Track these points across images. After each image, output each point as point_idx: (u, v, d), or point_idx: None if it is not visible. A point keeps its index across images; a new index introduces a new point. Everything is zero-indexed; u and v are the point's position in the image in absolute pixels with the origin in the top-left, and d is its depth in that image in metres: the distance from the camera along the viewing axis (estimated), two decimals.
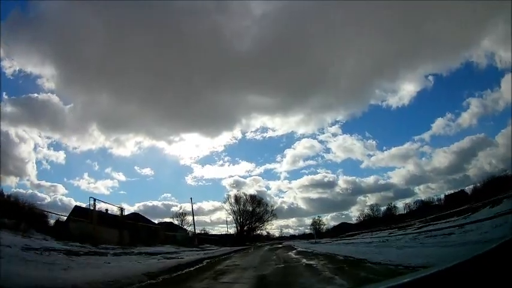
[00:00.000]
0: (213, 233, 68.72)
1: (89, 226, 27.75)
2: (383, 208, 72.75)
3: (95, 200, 30.34)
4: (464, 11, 60.56)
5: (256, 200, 68.35)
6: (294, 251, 20.22)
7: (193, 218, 46.07)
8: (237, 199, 66.82)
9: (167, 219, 58.77)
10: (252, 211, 66.94)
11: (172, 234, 45.76)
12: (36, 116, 74.97)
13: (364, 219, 78.62)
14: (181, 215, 58.35)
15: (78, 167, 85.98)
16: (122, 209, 32.53)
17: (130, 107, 75.18)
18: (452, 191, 59.37)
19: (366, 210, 77.87)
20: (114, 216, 32.68)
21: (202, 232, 65.32)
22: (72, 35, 62.05)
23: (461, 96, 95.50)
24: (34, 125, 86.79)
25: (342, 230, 77.20)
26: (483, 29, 74.70)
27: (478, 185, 42.35)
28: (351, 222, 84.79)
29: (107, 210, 36.82)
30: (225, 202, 67.60)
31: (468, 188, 48.29)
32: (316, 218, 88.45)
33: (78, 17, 63.43)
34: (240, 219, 65.96)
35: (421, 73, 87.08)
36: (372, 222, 68.92)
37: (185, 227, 58.82)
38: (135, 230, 34.65)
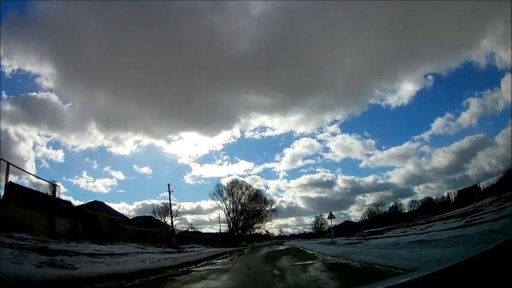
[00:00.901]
0: (211, 232, 58.80)
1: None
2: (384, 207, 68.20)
3: (8, 165, 20.05)
4: (464, 10, 58.93)
5: (253, 192, 57.32)
6: (316, 263, 9.71)
7: (171, 211, 35.58)
8: (230, 191, 55.80)
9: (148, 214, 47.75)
10: (248, 204, 55.80)
11: (147, 230, 35.42)
12: (35, 115, 73.57)
13: (369, 218, 72.17)
14: (163, 209, 47.61)
15: (77, 165, 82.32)
16: (54, 187, 22.00)
17: (129, 105, 72.21)
18: (450, 191, 57.45)
19: (367, 208, 72.90)
20: (46, 198, 22.37)
21: (190, 230, 54.29)
22: (70, 34, 59.79)
23: (461, 96, 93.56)
24: (33, 124, 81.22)
25: (345, 228, 69.29)
26: (483, 29, 71.40)
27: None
28: (353, 221, 79.58)
29: (54, 191, 26.22)
30: (215, 195, 56.34)
31: (482, 183, 43.88)
32: (319, 216, 78.81)
33: (75, 16, 61.22)
34: (233, 214, 54.89)
35: (420, 73, 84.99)
36: (378, 220, 62.58)
37: (174, 222, 49.78)
38: (84, 221, 24.40)
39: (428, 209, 53.19)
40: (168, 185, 36.10)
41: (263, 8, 69.28)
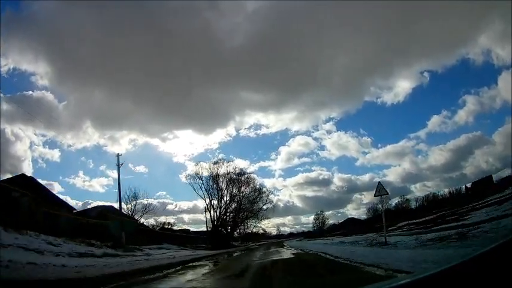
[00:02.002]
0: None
1: None
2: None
3: None
4: (461, 7, 55.60)
5: (245, 177, 43.96)
6: None
7: (120, 197, 24.25)
8: (214, 174, 42.04)
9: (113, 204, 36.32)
10: (238, 194, 42.64)
11: (96, 222, 24.73)
12: (31, 114, 73.16)
13: (374, 214, 62.29)
14: (132, 199, 36.62)
15: (73, 164, 79.54)
16: None
17: (124, 104, 70.05)
18: (448, 189, 53.43)
19: (370, 206, 64.11)
20: None
21: (167, 226, 43.00)
22: (64, 33, 58.59)
23: (458, 93, 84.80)
24: (29, 123, 72.13)
25: (350, 226, 62.75)
26: (480, 26, 69.96)
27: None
28: (354, 217, 73.28)
29: None
30: (192, 178, 42.52)
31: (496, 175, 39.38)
32: (319, 213, 69.50)
33: (70, 14, 59.87)
34: (219, 206, 41.44)
35: (416, 70, 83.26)
36: (388, 216, 52.81)
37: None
38: None
39: (439, 204, 47.06)
40: (118, 155, 24.84)
41: (257, 6, 66.67)
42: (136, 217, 37.03)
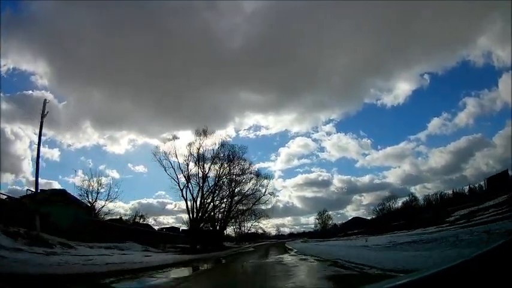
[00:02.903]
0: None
1: None
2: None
3: None
4: (461, 7, 55.48)
5: (236, 154, 34.20)
6: None
7: (37, 164, 16.58)
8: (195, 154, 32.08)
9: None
10: (229, 176, 33.10)
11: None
12: (31, 113, 54.97)
13: (382, 213, 58.24)
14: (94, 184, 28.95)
15: (73, 164, 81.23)
16: None
17: (124, 104, 70.86)
18: (452, 189, 48.58)
19: (377, 204, 59.18)
20: None
21: (142, 221, 35.03)
22: (64, 33, 59.19)
23: (458, 95, 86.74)
24: (29, 123, 66.21)
25: (356, 226, 58.09)
26: (480, 27, 70.01)
27: None
28: (358, 217, 69.36)
29: None
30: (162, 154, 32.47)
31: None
32: (322, 212, 64.56)
33: (69, 15, 59.99)
34: (201, 193, 31.10)
35: (416, 72, 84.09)
36: (395, 215, 50.64)
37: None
38: None
39: (447, 202, 43.07)
40: (44, 101, 16.92)
41: (257, 6, 66.53)
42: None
